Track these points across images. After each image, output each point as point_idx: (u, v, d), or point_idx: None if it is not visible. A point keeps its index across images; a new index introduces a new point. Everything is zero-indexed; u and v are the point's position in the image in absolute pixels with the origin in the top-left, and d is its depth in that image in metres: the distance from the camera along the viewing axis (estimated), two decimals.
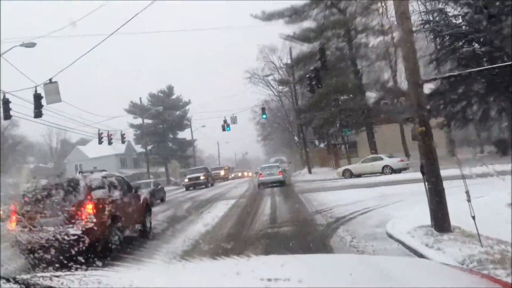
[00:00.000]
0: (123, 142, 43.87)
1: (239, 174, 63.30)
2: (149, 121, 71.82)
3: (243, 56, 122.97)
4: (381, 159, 27.66)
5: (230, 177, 59.01)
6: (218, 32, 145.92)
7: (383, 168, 27.00)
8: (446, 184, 7.34)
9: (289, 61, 36.83)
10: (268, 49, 47.11)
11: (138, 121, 72.33)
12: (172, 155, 73.28)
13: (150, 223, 10.85)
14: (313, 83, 26.32)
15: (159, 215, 12.79)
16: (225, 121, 43.12)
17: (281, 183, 27.58)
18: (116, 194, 9.14)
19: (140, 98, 52.71)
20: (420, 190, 7.41)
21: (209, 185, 33.20)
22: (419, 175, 7.66)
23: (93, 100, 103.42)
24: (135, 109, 69.49)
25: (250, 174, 77.11)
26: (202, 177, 30.96)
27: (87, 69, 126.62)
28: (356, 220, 10.11)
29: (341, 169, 29.66)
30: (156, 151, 72.12)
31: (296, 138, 55.96)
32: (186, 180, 31.81)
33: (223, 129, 43.38)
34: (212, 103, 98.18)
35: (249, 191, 26.53)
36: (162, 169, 74.36)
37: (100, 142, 42.10)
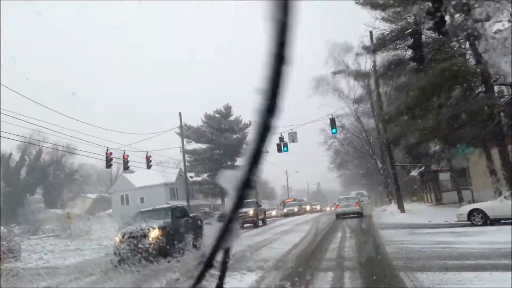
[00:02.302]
0: (148, 167, 34.03)
1: (295, 209, 49.89)
2: (204, 146, 62.77)
3: (309, 63, 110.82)
4: None
5: (283, 213, 47.28)
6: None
7: None
8: None
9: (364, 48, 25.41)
10: (340, 48, 35.76)
11: (192, 145, 63.61)
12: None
13: None
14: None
15: None
16: (281, 139, 32.16)
17: (358, 214, 29.08)
18: None
19: (180, 114, 42.25)
20: None
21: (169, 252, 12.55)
22: None
23: (143, 121, 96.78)
24: (188, 132, 60.63)
25: (317, 207, 64.25)
26: (153, 235, 11.78)
27: (138, 88, 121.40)
28: None
29: (465, 209, 17.36)
30: (211, 181, 62.50)
31: (379, 163, 43.82)
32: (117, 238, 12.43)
33: (279, 150, 32.43)
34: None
35: (297, 251, 14.64)
36: (219, 202, 64.38)
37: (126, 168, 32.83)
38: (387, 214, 29.66)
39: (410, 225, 19.82)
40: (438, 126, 21.99)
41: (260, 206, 30.84)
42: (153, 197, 58.43)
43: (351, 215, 29.02)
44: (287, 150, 32.16)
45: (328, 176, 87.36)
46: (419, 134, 23.40)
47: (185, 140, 59.91)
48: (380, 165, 43.50)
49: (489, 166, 25.69)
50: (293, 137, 31.61)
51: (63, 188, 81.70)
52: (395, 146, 26.25)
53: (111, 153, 28.47)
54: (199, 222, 15.79)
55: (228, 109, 63.50)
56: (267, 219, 46.38)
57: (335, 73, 33.69)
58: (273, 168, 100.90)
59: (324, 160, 67.63)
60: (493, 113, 20.93)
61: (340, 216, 28.95)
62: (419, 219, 22.34)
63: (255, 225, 26.85)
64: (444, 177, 36.56)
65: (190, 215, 15.95)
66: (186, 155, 62.29)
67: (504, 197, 16.22)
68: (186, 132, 55.48)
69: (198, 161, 62.35)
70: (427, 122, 22.29)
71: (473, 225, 16.45)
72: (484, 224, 16.11)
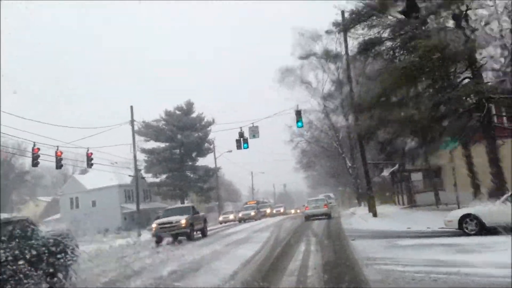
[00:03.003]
0: (89, 166, 30.03)
1: (251, 213, 42.60)
2: (163, 145, 58.59)
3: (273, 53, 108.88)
4: None
5: (238, 218, 42.66)
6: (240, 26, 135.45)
7: None
8: None
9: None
10: (308, 36, 32.66)
11: (151, 144, 59.24)
12: (191, 186, 59.28)
13: None
14: None
15: None
16: (241, 135, 28.73)
17: (326, 216, 29.85)
18: None
19: (131, 107, 37.77)
20: None
21: None
22: None
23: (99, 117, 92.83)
24: (147, 129, 56.41)
25: (281, 210, 59.63)
26: None
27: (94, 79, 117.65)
28: None
29: (455, 215, 14.16)
30: (171, 182, 58.40)
31: (348, 162, 40.93)
32: None
33: (239, 147, 29.03)
34: (234, 118, 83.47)
35: (245, 275, 10.68)
36: (179, 204, 60.21)
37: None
38: (357, 218, 26.62)
39: (387, 233, 16.69)
40: (418, 117, 18.99)
41: (198, 212, 24.30)
42: (106, 200, 54.03)
43: (320, 217, 29.72)
44: (247, 147, 28.77)
45: (295, 177, 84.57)
46: (396, 126, 20.40)
47: (143, 138, 55.80)
48: (350, 164, 40.75)
49: (469, 164, 23.05)
50: (254, 132, 28.20)
51: (12, 191, 75.69)
52: (368, 141, 23.16)
53: (38, 149, 24.32)
54: (61, 246, 9.07)
55: (189, 105, 59.53)
56: (227, 223, 42.31)
57: (302, 58, 30.45)
58: (237, 169, 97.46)
59: (291, 160, 64.26)
60: (481, 102, 18.07)
61: (309, 217, 29.66)
62: (395, 225, 19.29)
63: (189, 238, 20.93)
64: (416, 177, 33.92)
65: (42, 234, 8.89)
66: (144, 154, 58.18)
67: (505, 198, 13.18)
68: (142, 128, 51.33)
69: (156, 161, 58.11)
70: (405, 113, 19.32)
71: (465, 234, 13.40)
72: (479, 233, 13.07)
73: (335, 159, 47.62)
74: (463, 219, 13.62)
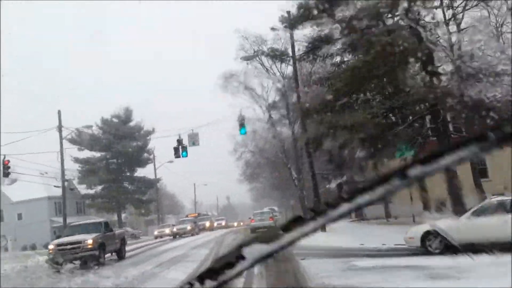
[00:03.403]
0: (5, 175, 26.66)
1: (188, 228, 37.59)
2: (98, 154, 54.95)
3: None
4: None
5: (173, 233, 37.73)
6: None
7: None
8: None
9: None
10: (253, 40, 31.02)
11: (85, 153, 55.35)
12: (129, 198, 55.85)
13: None
14: None
15: None
16: (180, 142, 26.36)
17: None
18: None
19: (59, 112, 34.09)
20: None
21: None
22: None
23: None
24: (81, 138, 52.43)
25: (223, 223, 56.64)
26: None
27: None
28: None
29: (418, 231, 12.50)
30: (107, 194, 54.69)
31: (294, 173, 39.37)
32: None
33: (177, 155, 26.68)
34: (176, 127, 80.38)
35: None
36: (115, 217, 56.46)
37: None
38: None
39: (339, 250, 15.05)
40: (368, 123, 17.54)
41: (112, 229, 19.79)
42: (34, 213, 49.55)
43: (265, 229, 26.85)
44: (187, 155, 26.47)
45: (239, 189, 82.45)
46: (345, 133, 18.83)
47: (76, 147, 52.01)
48: (296, 175, 39.20)
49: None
50: (194, 139, 25.93)
51: None
52: (316, 149, 21.47)
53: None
54: None
55: (128, 113, 56.27)
56: (163, 238, 38.35)
57: (246, 58, 28.49)
58: (180, 180, 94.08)
59: (235, 171, 61.96)
60: (435, 109, 16.90)
61: (255, 229, 29.31)
62: (347, 240, 17.66)
63: (98, 262, 16.60)
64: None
65: None
66: (77, 164, 54.33)
67: (472, 212, 11.72)
68: (74, 135, 47.52)
69: (91, 171, 54.31)
70: (354, 119, 17.76)
71: (428, 252, 11.81)
72: (444, 251, 11.51)
73: (280, 171, 45.92)
74: (426, 236, 12.03)
